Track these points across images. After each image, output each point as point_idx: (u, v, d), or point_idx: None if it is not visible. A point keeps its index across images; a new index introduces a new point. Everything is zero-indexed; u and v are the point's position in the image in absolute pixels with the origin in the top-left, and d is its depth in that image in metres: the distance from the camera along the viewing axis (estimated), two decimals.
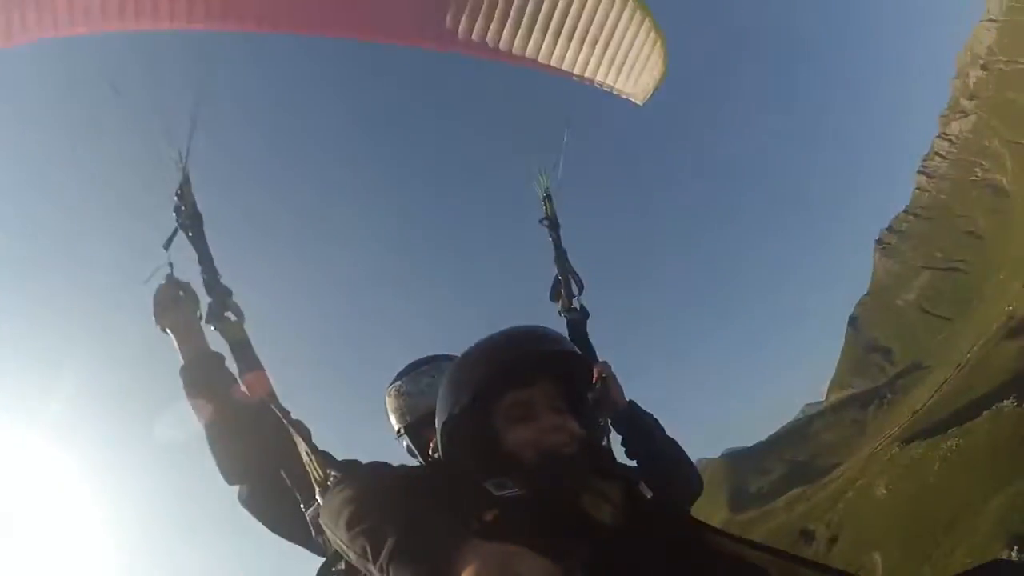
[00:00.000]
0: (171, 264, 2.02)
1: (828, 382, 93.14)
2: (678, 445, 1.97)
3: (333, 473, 1.63)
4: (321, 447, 1.76)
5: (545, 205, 2.55)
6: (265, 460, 1.76)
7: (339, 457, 1.73)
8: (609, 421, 2.00)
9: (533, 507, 1.29)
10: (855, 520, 38.14)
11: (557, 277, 2.43)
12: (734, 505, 67.76)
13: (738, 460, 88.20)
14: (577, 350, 1.66)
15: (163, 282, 1.99)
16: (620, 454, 1.96)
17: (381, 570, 1.11)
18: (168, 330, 1.92)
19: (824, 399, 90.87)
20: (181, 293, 1.98)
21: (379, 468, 1.60)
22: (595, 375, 2.01)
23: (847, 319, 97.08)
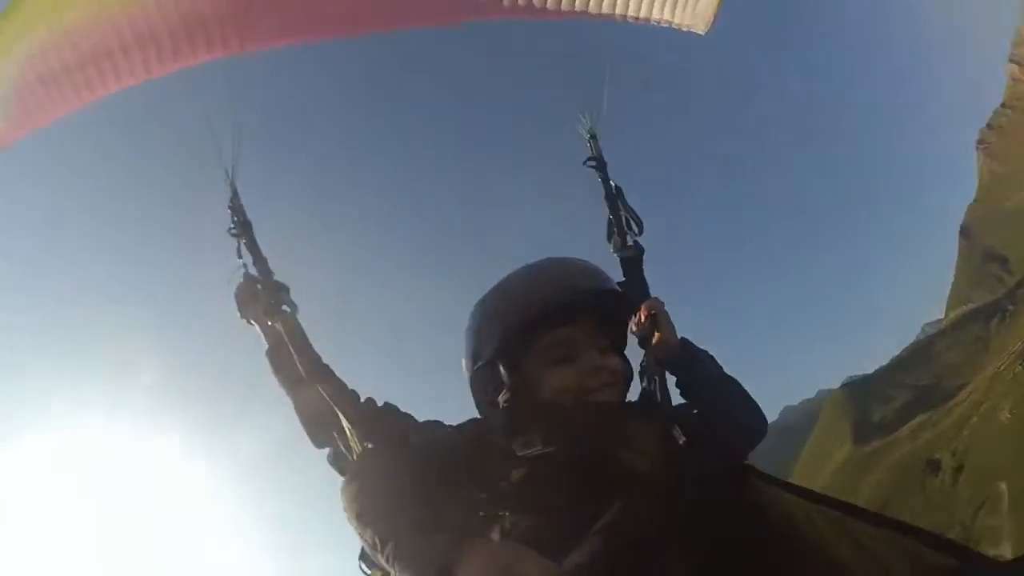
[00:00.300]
0: (245, 265, 2.20)
1: (946, 298, 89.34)
2: (736, 384, 1.80)
3: (369, 446, 1.63)
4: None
5: (590, 145, 2.43)
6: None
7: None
8: (659, 361, 1.85)
9: (561, 464, 1.26)
10: (980, 447, 37.38)
11: (609, 217, 2.28)
12: (858, 437, 66.59)
13: (859, 389, 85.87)
14: (615, 286, 1.60)
15: (242, 280, 2.16)
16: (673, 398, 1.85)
17: (388, 561, 1.16)
18: (252, 321, 2.12)
19: (944, 317, 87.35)
20: (259, 287, 2.14)
21: (405, 439, 1.55)
22: (644, 313, 1.88)
23: (957, 229, 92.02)
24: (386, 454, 1.51)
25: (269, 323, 2.05)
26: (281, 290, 2.13)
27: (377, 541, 1.19)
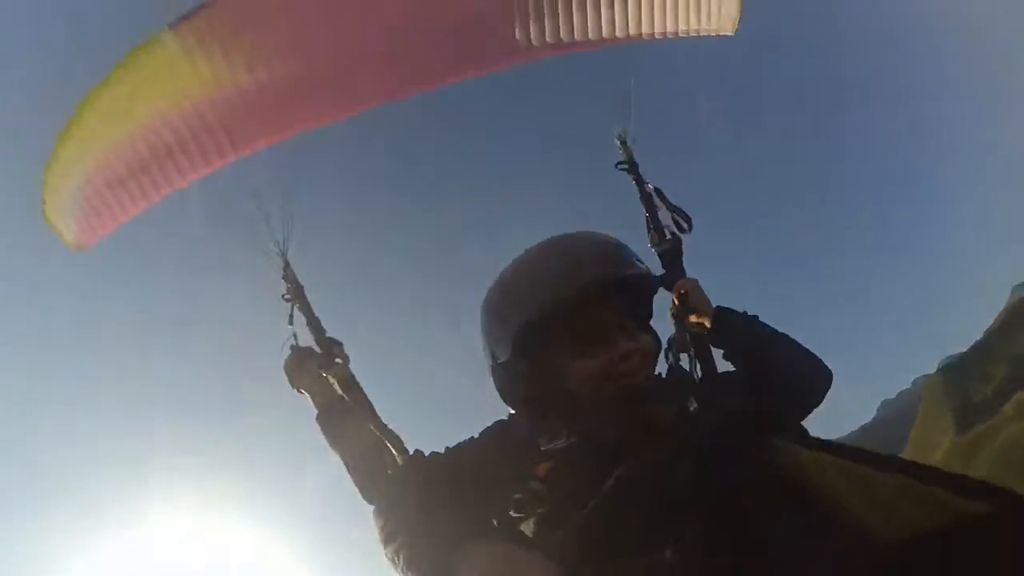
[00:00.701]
0: (295, 335, 2.36)
1: None
2: (787, 339, 1.71)
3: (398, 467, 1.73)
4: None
5: (623, 149, 2.48)
6: None
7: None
8: (697, 336, 1.88)
9: (584, 453, 1.26)
10: None
11: (646, 215, 2.34)
12: (960, 424, 62.88)
13: (956, 370, 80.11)
14: (632, 260, 1.51)
15: (289, 353, 2.33)
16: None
17: (402, 573, 1.20)
18: (302, 390, 2.26)
19: None
20: (311, 350, 2.32)
21: (425, 458, 1.55)
22: (675, 294, 1.94)
23: None
24: (414, 470, 1.52)
25: (324, 375, 2.18)
26: (335, 344, 2.29)
27: (393, 555, 1.22)
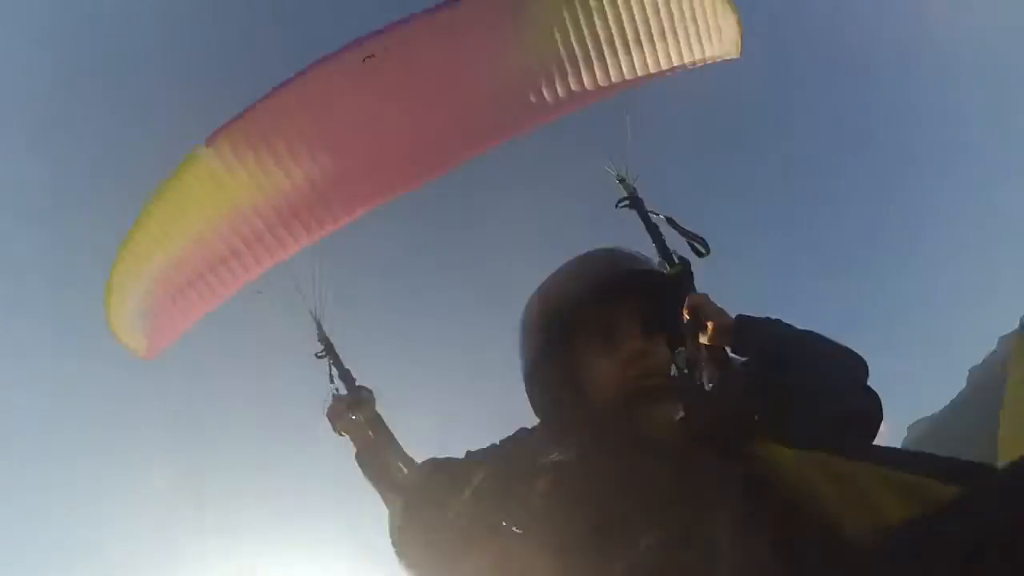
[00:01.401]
0: (337, 388, 2.57)
1: None
2: (814, 341, 1.46)
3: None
4: None
5: (622, 186, 2.45)
6: None
7: None
8: (718, 351, 1.70)
9: (578, 466, 1.22)
10: None
11: (654, 247, 2.27)
12: None
13: None
14: (657, 268, 1.59)
15: (332, 401, 2.51)
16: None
17: (395, 551, 1.24)
18: (343, 432, 2.45)
19: None
20: (347, 406, 2.49)
21: (438, 461, 1.55)
22: (686, 311, 1.74)
23: None
24: (424, 468, 1.53)
25: (352, 417, 2.42)
26: (362, 389, 2.56)
27: (390, 534, 1.27)
